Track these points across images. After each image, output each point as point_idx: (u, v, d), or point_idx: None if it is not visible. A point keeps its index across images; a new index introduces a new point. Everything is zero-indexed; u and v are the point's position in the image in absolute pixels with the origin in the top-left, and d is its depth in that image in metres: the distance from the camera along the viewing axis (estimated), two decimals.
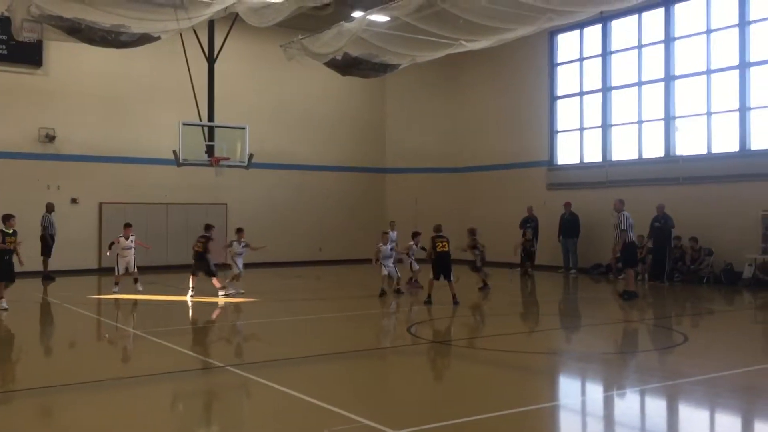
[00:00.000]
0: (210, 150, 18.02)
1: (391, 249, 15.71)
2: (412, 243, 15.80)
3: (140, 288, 15.68)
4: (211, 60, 18.78)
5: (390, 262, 15.49)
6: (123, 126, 21.90)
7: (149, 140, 21.92)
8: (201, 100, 18.30)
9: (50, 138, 20.76)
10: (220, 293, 14.74)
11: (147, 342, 10.24)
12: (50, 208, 19.24)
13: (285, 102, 24.51)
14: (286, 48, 18.06)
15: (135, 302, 14.61)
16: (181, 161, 17.64)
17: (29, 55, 20.46)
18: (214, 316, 13.50)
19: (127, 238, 15.88)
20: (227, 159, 18.11)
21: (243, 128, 18.50)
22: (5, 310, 12.91)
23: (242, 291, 15.42)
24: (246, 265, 20.62)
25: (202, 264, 15.03)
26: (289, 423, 6.22)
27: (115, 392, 7.41)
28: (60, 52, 20.59)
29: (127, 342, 10.71)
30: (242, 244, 15.75)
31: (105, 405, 6.93)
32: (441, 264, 13.76)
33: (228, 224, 23.33)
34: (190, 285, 14.82)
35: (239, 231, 16.09)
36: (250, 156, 18.43)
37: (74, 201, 21.14)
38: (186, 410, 7.05)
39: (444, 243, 13.87)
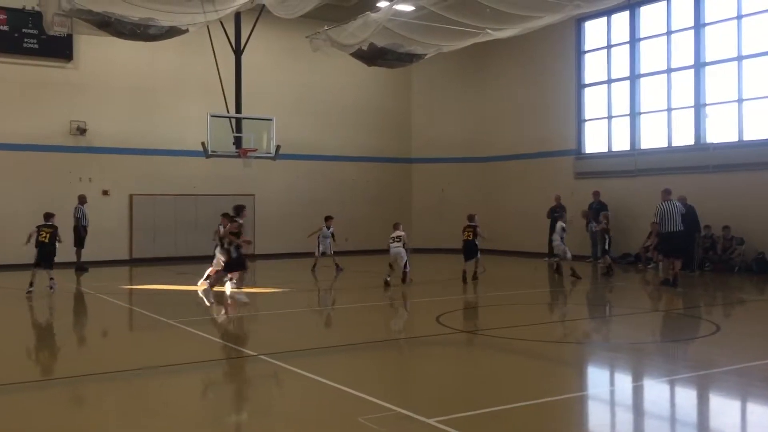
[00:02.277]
0: (238, 141, 18.18)
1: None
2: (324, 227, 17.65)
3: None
4: (238, 52, 18.91)
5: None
6: (152, 118, 22.17)
7: (178, 132, 22.17)
8: (228, 92, 18.45)
9: (81, 131, 21.08)
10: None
11: (179, 331, 10.41)
12: (83, 199, 19.56)
13: (311, 93, 24.59)
14: (312, 39, 18.10)
15: (165, 293, 14.82)
16: (209, 153, 17.82)
17: (60, 49, 20.76)
18: (244, 306, 13.65)
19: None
20: (255, 150, 18.25)
21: (270, 120, 18.63)
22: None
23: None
24: (273, 256, 20.80)
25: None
26: (322, 411, 6.32)
27: (148, 381, 7.56)
28: (90, 45, 20.86)
29: (158, 331, 10.88)
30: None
31: (138, 394, 7.08)
32: (465, 250, 15.83)
33: (255, 214, 23.54)
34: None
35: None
36: (278, 147, 18.55)
37: (105, 193, 21.45)
38: (218, 399, 7.18)
39: (469, 232, 15.69)
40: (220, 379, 7.85)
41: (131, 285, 16.93)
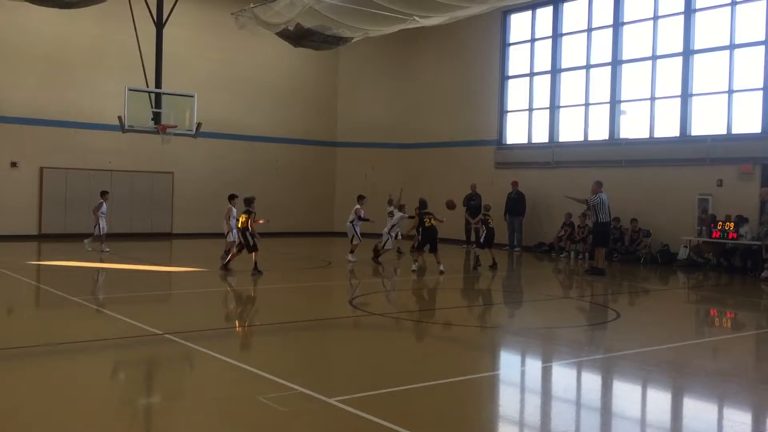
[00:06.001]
0: (157, 117, 17.69)
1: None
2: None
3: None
4: (159, 25, 18.36)
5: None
6: (67, 89, 21.33)
7: (94, 104, 21.41)
8: (148, 66, 17.91)
9: None
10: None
11: (86, 309, 10.13)
12: None
13: (236, 71, 24.17)
14: (237, 16, 17.79)
15: (75, 270, 14.37)
16: (126, 127, 17.29)
17: None
18: (155, 285, 13.37)
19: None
20: (174, 127, 17.81)
21: (191, 96, 18.19)
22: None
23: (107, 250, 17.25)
24: (190, 235, 20.38)
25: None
26: (224, 390, 6.27)
27: (51, 360, 7.33)
28: (0, 10, 19.87)
29: (65, 309, 10.55)
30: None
31: (40, 374, 6.86)
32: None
33: (174, 193, 23.06)
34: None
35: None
36: (198, 125, 18.16)
37: (14, 165, 20.56)
38: (122, 378, 7.03)
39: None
40: (122, 359, 7.67)
41: (38, 261, 16.32)
